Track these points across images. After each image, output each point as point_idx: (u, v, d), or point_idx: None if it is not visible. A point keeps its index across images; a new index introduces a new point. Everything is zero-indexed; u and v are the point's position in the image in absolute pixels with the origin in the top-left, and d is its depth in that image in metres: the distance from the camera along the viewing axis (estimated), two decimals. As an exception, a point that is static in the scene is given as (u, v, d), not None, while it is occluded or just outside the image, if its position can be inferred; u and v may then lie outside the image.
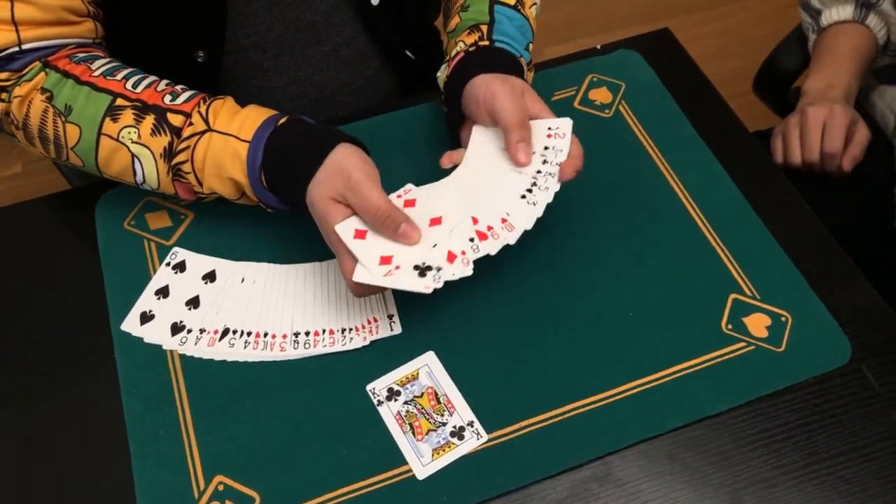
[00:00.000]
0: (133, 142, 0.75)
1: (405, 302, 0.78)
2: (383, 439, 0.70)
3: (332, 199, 0.71)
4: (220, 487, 0.68)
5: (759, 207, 0.84)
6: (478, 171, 0.77)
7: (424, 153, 0.88)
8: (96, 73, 0.77)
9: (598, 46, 0.99)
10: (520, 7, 0.88)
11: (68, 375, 0.75)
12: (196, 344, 0.75)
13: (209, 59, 0.89)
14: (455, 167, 0.77)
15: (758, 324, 0.77)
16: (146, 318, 0.77)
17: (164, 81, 0.79)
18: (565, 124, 0.77)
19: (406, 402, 0.72)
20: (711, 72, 1.00)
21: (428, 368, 0.74)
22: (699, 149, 0.89)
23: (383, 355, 0.75)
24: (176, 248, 0.81)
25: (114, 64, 0.79)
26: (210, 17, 0.86)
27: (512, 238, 0.71)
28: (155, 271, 0.80)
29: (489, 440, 0.70)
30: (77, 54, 0.79)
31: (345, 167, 0.71)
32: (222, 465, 0.69)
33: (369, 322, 0.76)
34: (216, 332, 0.76)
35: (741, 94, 1.40)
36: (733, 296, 0.78)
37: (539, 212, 0.73)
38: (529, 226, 0.72)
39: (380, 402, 0.72)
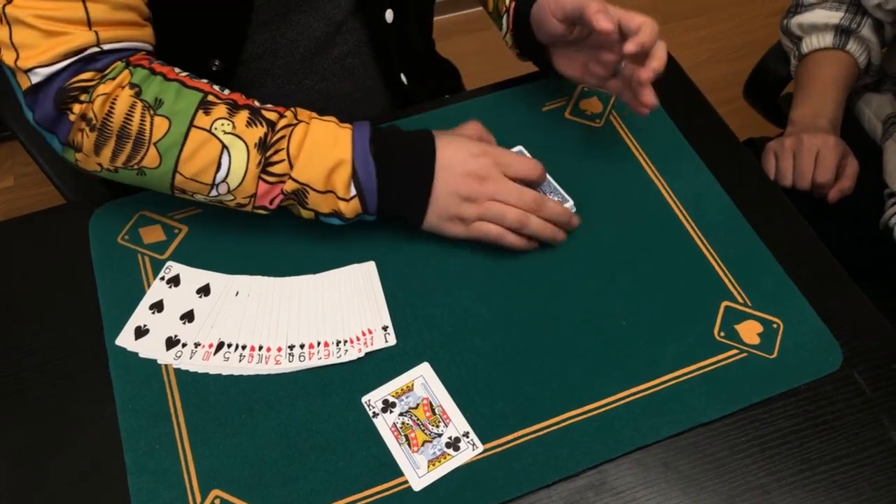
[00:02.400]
0: (226, 132, 0.75)
1: (399, 313, 0.78)
2: (379, 451, 0.70)
3: None
4: (217, 502, 0.68)
5: (749, 215, 0.85)
6: None
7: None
8: (182, 74, 0.78)
9: (589, 56, 0.99)
10: None
11: (63, 391, 0.75)
12: (191, 358, 0.75)
13: (222, 68, 0.90)
14: None
15: (750, 331, 0.77)
16: (141, 332, 0.77)
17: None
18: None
19: (401, 414, 0.72)
20: (701, 79, 1.01)
21: (423, 380, 0.74)
22: (689, 157, 0.90)
23: (378, 367, 0.75)
24: (170, 263, 0.81)
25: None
26: (231, 28, 0.87)
27: None
28: (149, 286, 0.80)
29: (485, 451, 0.70)
30: (155, 59, 0.79)
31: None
32: (219, 479, 0.69)
33: (364, 334, 0.76)
34: (211, 345, 0.76)
35: (730, 100, 1.41)
36: (725, 303, 0.79)
37: None
38: None
39: (375, 414, 0.72)
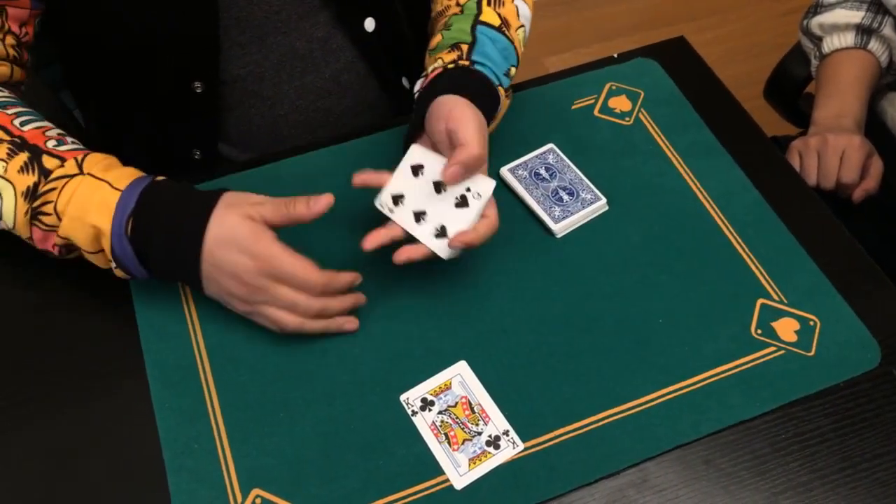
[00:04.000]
0: None
1: (435, 312, 0.78)
2: (419, 450, 0.70)
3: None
4: (258, 501, 0.67)
5: (781, 212, 0.85)
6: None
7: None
8: None
9: (615, 55, 0.99)
10: (504, 29, 0.85)
11: (101, 390, 0.74)
12: None
13: (206, 90, 0.89)
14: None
15: (787, 328, 0.77)
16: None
17: (58, 130, 0.77)
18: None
19: (440, 412, 0.72)
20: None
21: (461, 378, 0.74)
22: (720, 155, 0.90)
23: (415, 365, 0.75)
24: None
25: (12, 99, 0.78)
26: (203, 48, 0.86)
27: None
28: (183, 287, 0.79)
29: (525, 449, 0.70)
30: None
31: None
32: (259, 478, 0.68)
33: None
34: None
35: (748, 98, 1.41)
36: (761, 301, 0.79)
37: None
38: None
39: (414, 413, 0.72)
